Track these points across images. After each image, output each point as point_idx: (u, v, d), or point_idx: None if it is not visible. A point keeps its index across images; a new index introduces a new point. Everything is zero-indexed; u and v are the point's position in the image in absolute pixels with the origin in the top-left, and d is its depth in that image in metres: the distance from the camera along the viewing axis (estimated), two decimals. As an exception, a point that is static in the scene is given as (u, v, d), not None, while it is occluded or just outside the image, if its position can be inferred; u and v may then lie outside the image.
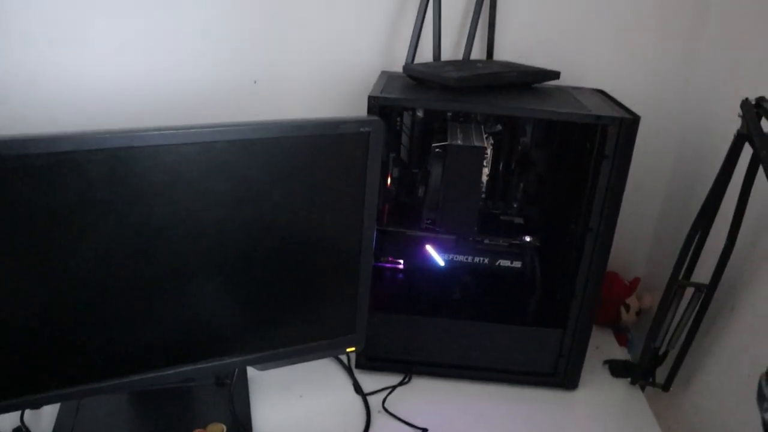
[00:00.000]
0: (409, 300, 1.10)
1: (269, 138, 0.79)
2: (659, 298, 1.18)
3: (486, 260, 1.08)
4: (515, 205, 1.15)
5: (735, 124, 0.86)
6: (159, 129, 0.73)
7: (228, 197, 0.79)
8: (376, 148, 0.85)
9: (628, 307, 1.28)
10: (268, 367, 0.94)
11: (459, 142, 0.94)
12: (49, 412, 0.95)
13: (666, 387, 1.09)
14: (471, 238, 1.07)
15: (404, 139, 1.11)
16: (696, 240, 0.95)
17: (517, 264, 1.07)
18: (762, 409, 0.45)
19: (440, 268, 1.08)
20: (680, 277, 0.97)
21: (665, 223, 1.28)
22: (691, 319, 1.01)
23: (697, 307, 0.99)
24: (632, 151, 0.93)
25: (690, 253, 0.96)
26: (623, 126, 0.92)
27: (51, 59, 1.13)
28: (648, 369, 1.10)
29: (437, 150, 0.95)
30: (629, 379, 1.14)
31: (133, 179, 0.73)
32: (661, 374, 1.10)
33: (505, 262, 1.08)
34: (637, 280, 1.31)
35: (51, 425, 0.93)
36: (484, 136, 0.99)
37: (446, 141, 0.94)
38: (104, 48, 1.13)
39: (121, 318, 0.81)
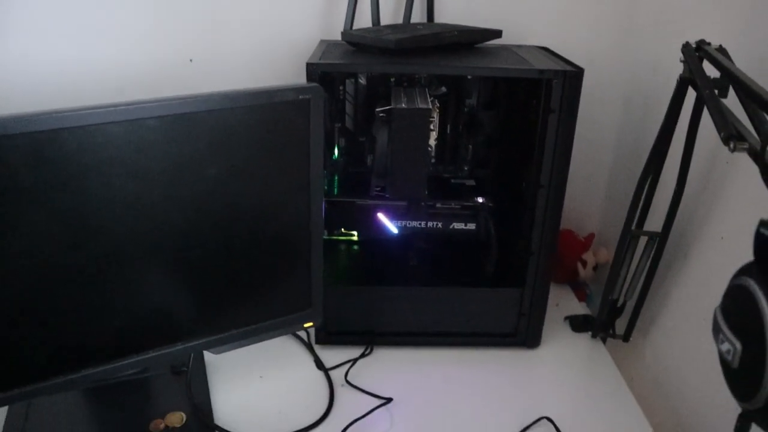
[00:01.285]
0: (366, 271, 1.08)
1: (202, 111, 0.75)
2: (614, 252, 1.19)
3: (440, 224, 1.06)
4: (466, 168, 1.14)
5: (678, 69, 0.85)
6: (84, 109, 0.69)
7: (163, 176, 0.76)
8: (317, 116, 0.83)
9: (584, 263, 1.28)
10: (224, 350, 0.91)
11: (403, 105, 0.92)
12: (-3, 416, 0.91)
13: (626, 337, 1.10)
14: (423, 203, 1.05)
15: (348, 108, 1.08)
16: (646, 188, 0.95)
17: (471, 226, 1.06)
18: (718, 341, 0.44)
19: (394, 236, 1.06)
20: (633, 227, 0.97)
21: (617, 176, 1.29)
22: (646, 269, 1.01)
23: (651, 256, 1.00)
24: (578, 104, 0.93)
25: (641, 202, 0.96)
26: (567, 79, 0.91)
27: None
28: (607, 321, 1.11)
29: (382, 115, 0.93)
30: (590, 333, 1.15)
31: (60, 164, 0.69)
32: (620, 325, 1.11)
33: (459, 225, 1.07)
34: (592, 236, 1.31)
35: None
36: (429, 99, 0.97)
37: (390, 106, 0.92)
38: (30, 30, 1.07)
39: (63, 311, 0.77)
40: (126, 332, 0.83)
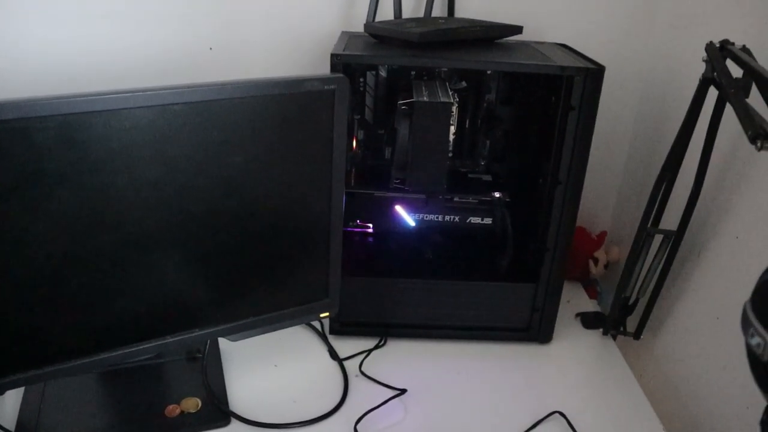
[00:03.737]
0: (381, 262, 1.09)
1: (230, 99, 0.76)
2: (627, 250, 1.19)
3: (456, 218, 1.07)
4: (482, 163, 1.14)
5: (698, 69, 0.86)
6: (113, 92, 0.69)
7: (189, 162, 0.76)
8: (341, 107, 0.83)
9: (596, 261, 1.29)
10: (240, 337, 0.91)
11: (425, 98, 0.93)
12: (13, 398, 0.91)
13: (637, 335, 1.11)
14: (441, 197, 1.06)
15: (368, 100, 1.08)
16: (663, 187, 0.96)
17: (488, 220, 1.07)
18: (747, 335, 0.45)
19: (411, 228, 1.07)
20: (649, 225, 0.98)
21: (631, 175, 1.29)
22: (660, 267, 1.02)
23: (665, 255, 1.00)
24: (598, 101, 0.93)
25: (658, 200, 0.96)
26: (588, 76, 0.91)
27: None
28: (619, 319, 1.11)
29: (403, 108, 0.93)
30: (601, 330, 1.15)
31: (87, 147, 0.70)
32: (631, 323, 1.11)
33: (475, 220, 1.07)
34: (604, 234, 1.32)
35: (16, 411, 0.89)
36: (450, 92, 0.97)
37: (412, 98, 0.92)
38: (52, 15, 1.07)
39: (83, 294, 0.78)
40: (144, 317, 0.84)
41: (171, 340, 0.87)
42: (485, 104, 1.10)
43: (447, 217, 1.07)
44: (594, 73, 0.91)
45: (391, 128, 1.06)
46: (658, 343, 1.11)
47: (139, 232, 0.78)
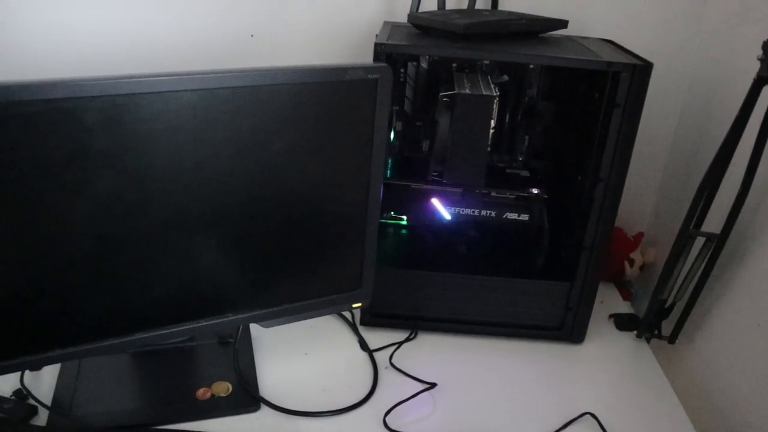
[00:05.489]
0: (414, 255, 1.08)
1: (275, 85, 0.75)
2: (664, 253, 1.17)
3: (493, 213, 1.05)
4: (520, 158, 1.13)
5: (749, 68, 0.84)
6: (161, 75, 0.69)
7: (231, 147, 0.76)
8: (384, 96, 0.82)
9: (632, 262, 1.27)
10: (273, 324, 0.92)
11: (467, 91, 0.92)
12: (50, 375, 0.93)
13: (672, 339, 1.09)
14: (478, 191, 1.05)
15: (408, 91, 1.07)
16: (708, 188, 0.93)
17: (525, 217, 1.06)
18: None
19: (446, 222, 1.06)
20: (691, 227, 0.96)
21: (671, 176, 1.27)
22: (700, 270, 1.00)
23: (707, 258, 0.98)
24: (644, 99, 0.91)
25: (702, 201, 0.94)
26: (636, 73, 0.89)
27: (40, 11, 1.08)
28: (654, 322, 1.10)
29: (445, 100, 0.92)
30: (635, 332, 1.13)
31: (133, 128, 0.70)
32: (666, 327, 1.09)
33: (512, 215, 1.06)
34: (640, 235, 1.30)
35: (52, 388, 0.91)
36: (492, 86, 0.96)
37: (454, 90, 0.91)
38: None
39: (121, 275, 0.79)
40: (180, 300, 0.84)
41: (205, 324, 0.87)
42: (526, 99, 1.08)
43: (483, 212, 1.06)
44: (641, 70, 0.89)
45: (429, 120, 1.05)
46: (693, 349, 1.09)
47: (179, 214, 0.78)
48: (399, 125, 1.09)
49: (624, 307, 1.23)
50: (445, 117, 0.94)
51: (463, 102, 0.90)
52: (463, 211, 1.05)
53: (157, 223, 0.77)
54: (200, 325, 0.87)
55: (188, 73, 0.71)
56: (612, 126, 0.92)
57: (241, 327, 0.98)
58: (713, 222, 0.97)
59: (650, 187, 1.31)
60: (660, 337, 1.11)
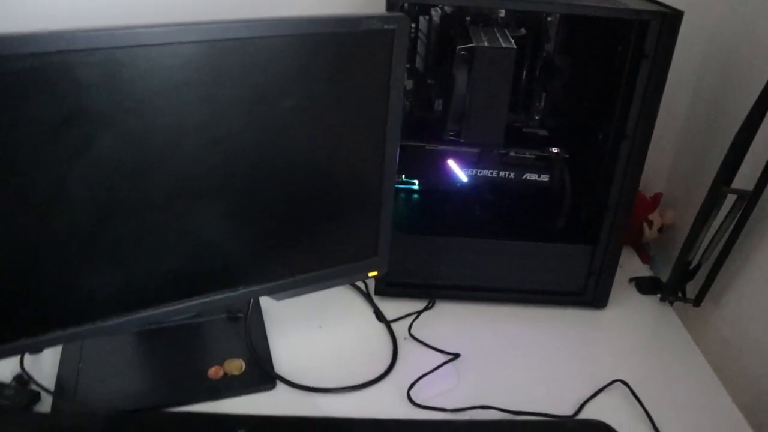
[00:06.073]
0: (429, 220, 1.03)
1: (285, 36, 0.69)
2: (683, 213, 1.13)
3: (512, 174, 1.00)
4: (537, 117, 1.08)
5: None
6: (161, 25, 0.63)
7: (237, 105, 0.70)
8: (401, 49, 0.76)
9: (650, 224, 1.22)
10: (286, 296, 0.87)
11: (486, 44, 0.86)
12: (51, 358, 0.87)
13: (697, 302, 1.05)
14: (496, 151, 0.99)
15: (420, 47, 1.01)
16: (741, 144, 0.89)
17: (545, 177, 1.00)
18: None
19: (463, 184, 1.01)
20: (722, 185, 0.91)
21: (690, 133, 1.22)
22: (729, 230, 0.95)
23: (737, 217, 0.93)
24: (673, 49, 0.86)
25: (734, 158, 0.89)
26: (665, 22, 0.84)
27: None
28: (678, 284, 1.05)
29: (463, 54, 0.86)
30: (658, 295, 1.09)
31: (132, 85, 0.64)
32: (690, 290, 1.05)
33: (532, 176, 1.01)
34: (659, 195, 1.25)
35: (54, 372, 0.85)
36: (510, 39, 0.90)
37: (472, 44, 0.86)
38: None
39: (122, 247, 0.73)
40: (186, 273, 0.79)
41: (214, 298, 0.82)
42: (544, 54, 1.03)
43: (501, 173, 1.01)
44: (671, 19, 0.84)
45: (442, 78, 0.99)
46: (720, 311, 1.05)
47: (183, 180, 0.72)
48: (410, 83, 1.03)
49: (644, 271, 1.19)
50: (462, 72, 0.88)
51: (482, 55, 0.85)
52: (480, 172, 1.00)
53: (160, 190, 0.71)
54: (209, 299, 0.82)
55: (191, 24, 0.64)
56: (639, 79, 0.87)
57: (252, 300, 0.93)
58: (741, 179, 0.92)
59: (668, 145, 1.26)
60: (685, 300, 1.06)
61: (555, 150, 1.00)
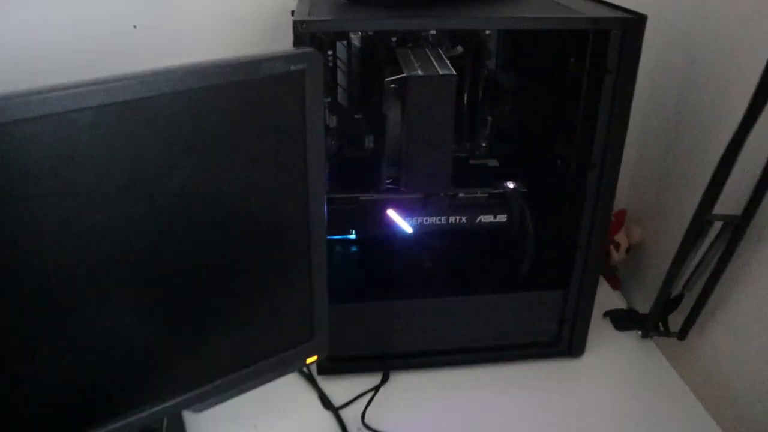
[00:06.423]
0: (374, 282, 0.88)
1: (159, 95, 0.53)
2: (649, 228, 1.02)
3: (464, 219, 0.86)
4: (483, 145, 0.94)
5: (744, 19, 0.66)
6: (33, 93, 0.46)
7: (110, 189, 0.54)
8: (315, 90, 0.61)
9: (618, 246, 1.10)
10: (206, 406, 0.70)
11: (419, 72, 0.71)
12: None
13: (682, 335, 0.93)
14: (442, 194, 0.84)
15: (340, 78, 0.86)
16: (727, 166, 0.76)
17: (502, 218, 0.86)
18: None
19: (408, 236, 0.85)
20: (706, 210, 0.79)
21: (647, 145, 1.10)
22: (716, 258, 0.83)
23: (725, 244, 0.81)
24: (638, 61, 0.73)
25: (721, 181, 0.77)
26: (628, 29, 0.71)
27: None
28: (659, 317, 0.93)
29: (393, 87, 0.71)
30: (638, 331, 0.97)
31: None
32: (672, 320, 0.93)
33: (487, 218, 0.86)
34: (623, 213, 1.13)
35: None
36: (446, 61, 0.76)
37: (403, 74, 0.71)
38: None
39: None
40: (74, 402, 0.61)
41: (116, 426, 0.64)
42: (486, 72, 0.88)
43: (452, 219, 0.86)
44: (634, 25, 0.71)
45: (371, 111, 0.84)
46: (706, 343, 0.94)
47: (64, 276, 0.55)
48: (334, 120, 0.88)
49: (615, 298, 1.07)
50: (394, 108, 0.73)
51: (417, 87, 0.70)
52: (427, 220, 0.85)
53: (38, 289, 0.54)
54: (111, 428, 0.64)
55: (33, 92, 0.47)
56: (603, 98, 0.74)
57: (166, 418, 0.76)
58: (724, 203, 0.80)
59: (627, 157, 1.13)
60: (669, 334, 0.95)
61: (510, 185, 0.86)
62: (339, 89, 0.86)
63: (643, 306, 0.97)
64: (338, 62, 0.85)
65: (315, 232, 0.69)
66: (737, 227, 0.79)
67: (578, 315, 0.88)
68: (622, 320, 1.00)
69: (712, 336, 0.93)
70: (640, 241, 1.12)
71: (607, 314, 1.01)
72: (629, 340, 0.97)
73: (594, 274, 0.85)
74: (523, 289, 0.87)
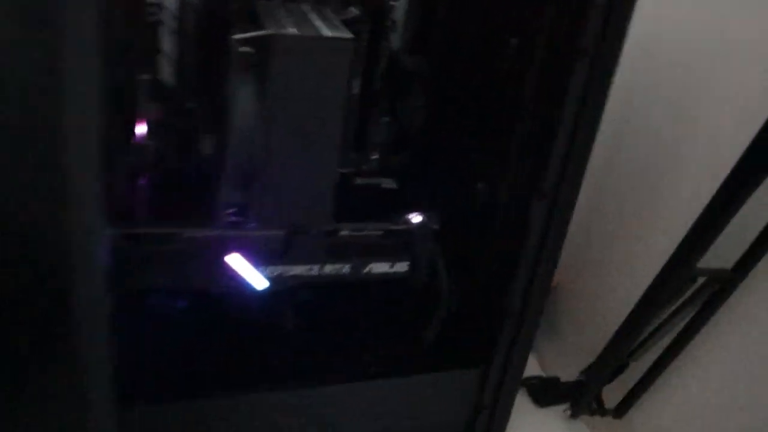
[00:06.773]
0: (208, 368, 0.56)
1: None
2: (566, 270, 0.82)
3: (346, 267, 0.56)
4: (375, 157, 0.66)
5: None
6: None
7: None
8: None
9: (531, 291, 0.87)
10: None
11: (294, 30, 0.42)
12: None
13: (619, 413, 0.72)
14: (315, 230, 0.54)
15: (167, 43, 0.54)
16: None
17: (401, 267, 0.58)
18: None
19: (260, 294, 0.54)
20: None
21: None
22: (686, 320, 0.62)
23: (702, 304, 0.60)
24: (622, 46, 0.49)
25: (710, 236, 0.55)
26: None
27: None
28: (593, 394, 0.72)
29: (245, 50, 0.42)
30: (562, 407, 0.75)
31: None
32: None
33: (380, 267, 0.57)
34: (536, 251, 0.90)
35: None
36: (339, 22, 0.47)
37: (264, 30, 0.41)
38: None
39: None
40: None
41: None
42: (387, 52, 0.61)
43: (329, 267, 0.56)
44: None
45: (214, 98, 0.53)
46: (646, 425, 0.73)
47: None
48: (154, 108, 0.56)
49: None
50: (245, 87, 0.43)
51: (287, 52, 0.41)
52: (291, 270, 0.54)
53: None
54: None
55: None
56: (570, 92, 0.49)
57: None
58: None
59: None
60: (603, 412, 0.73)
61: (415, 218, 0.58)
62: (164, 60, 0.55)
63: (557, 363, 0.82)
64: (163, 16, 0.53)
65: (84, 293, 0.38)
66: (725, 284, 0.57)
67: (500, 400, 0.63)
68: (542, 393, 0.78)
69: (653, 415, 0.72)
70: (557, 283, 0.90)
71: (523, 384, 0.78)
72: (555, 419, 0.75)
73: (526, 346, 0.61)
74: (427, 369, 0.60)
